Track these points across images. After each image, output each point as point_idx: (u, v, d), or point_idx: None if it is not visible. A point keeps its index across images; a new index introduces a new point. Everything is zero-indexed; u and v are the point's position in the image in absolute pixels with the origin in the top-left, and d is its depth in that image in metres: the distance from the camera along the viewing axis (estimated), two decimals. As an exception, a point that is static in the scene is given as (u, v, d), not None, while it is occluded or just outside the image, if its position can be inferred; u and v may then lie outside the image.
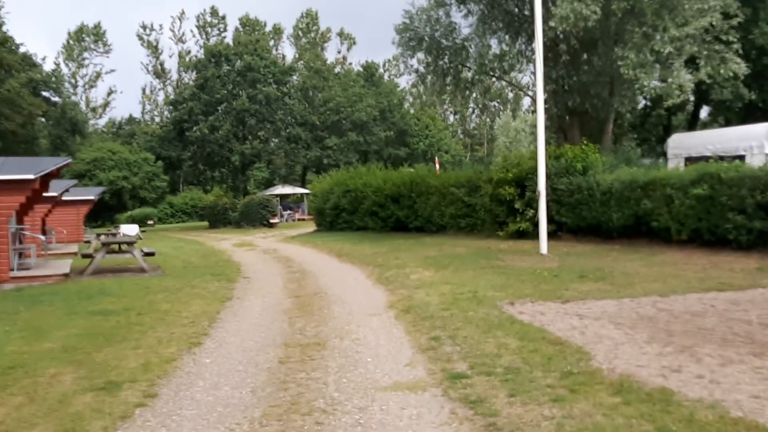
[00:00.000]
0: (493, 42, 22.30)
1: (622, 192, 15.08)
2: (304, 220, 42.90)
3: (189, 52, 77.64)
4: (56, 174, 15.82)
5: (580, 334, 6.97)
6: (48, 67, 68.16)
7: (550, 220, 15.90)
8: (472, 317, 8.03)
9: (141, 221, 56.90)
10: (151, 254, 15.72)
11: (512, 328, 7.34)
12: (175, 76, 79.80)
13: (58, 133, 58.86)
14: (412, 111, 70.17)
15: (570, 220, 16.83)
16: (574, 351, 6.26)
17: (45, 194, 19.81)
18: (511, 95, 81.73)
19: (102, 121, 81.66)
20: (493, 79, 27.49)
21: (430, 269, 12.79)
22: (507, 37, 21.94)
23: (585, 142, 18.02)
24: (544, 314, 8.15)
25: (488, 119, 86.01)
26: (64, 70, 75.50)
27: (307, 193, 44.00)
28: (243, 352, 7.07)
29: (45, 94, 56.01)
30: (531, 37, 19.38)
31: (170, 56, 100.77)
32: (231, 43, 57.95)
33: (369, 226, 24.08)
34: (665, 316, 7.81)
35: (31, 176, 13.26)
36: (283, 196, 47.92)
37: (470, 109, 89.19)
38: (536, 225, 15.60)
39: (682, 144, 19.92)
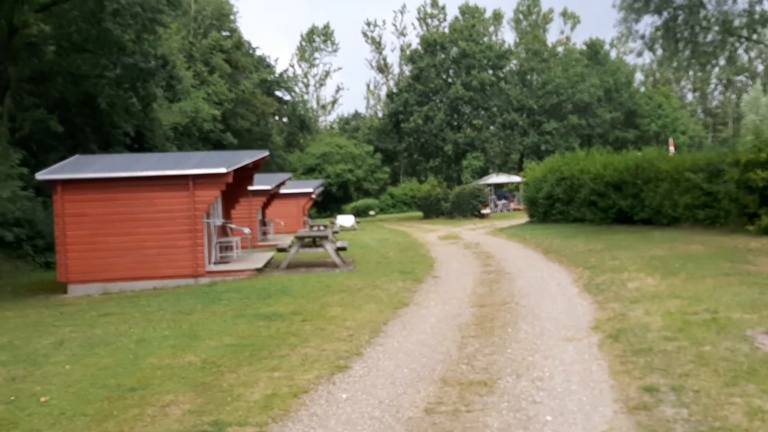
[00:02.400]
0: (741, -7, 18.28)
1: None
2: (519, 210, 40.64)
3: (410, 45, 78.87)
4: (254, 168, 15.81)
5: None
6: (282, 68, 73.75)
7: (825, 212, 12.25)
8: (709, 355, 5.70)
9: (363, 212, 58.91)
10: (343, 249, 15.03)
11: (774, 379, 4.95)
12: (396, 70, 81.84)
13: (290, 130, 63.04)
14: (642, 90, 63.77)
15: None
16: None
17: (252, 188, 20.38)
18: (761, 67, 70.72)
19: (330, 118, 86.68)
20: (741, 43, 22.89)
21: (654, 275, 10.25)
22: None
23: None
24: (825, 356, 5.55)
25: (734, 96, 75.47)
26: (298, 70, 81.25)
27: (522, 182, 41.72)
28: (390, 387, 5.60)
29: (278, 93, 60.18)
30: (795, -18, 15.36)
31: (392, 50, 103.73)
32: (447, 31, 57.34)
33: (586, 218, 21.37)
34: None
35: (223, 170, 13.16)
36: (497, 186, 46.10)
37: (712, 85, 79.15)
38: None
39: None
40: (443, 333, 7.57)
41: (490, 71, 51.19)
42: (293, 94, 65.55)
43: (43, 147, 21.11)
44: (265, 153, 15.64)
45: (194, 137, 36.95)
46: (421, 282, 11.89)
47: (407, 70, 69.18)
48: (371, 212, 59.06)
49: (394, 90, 57.97)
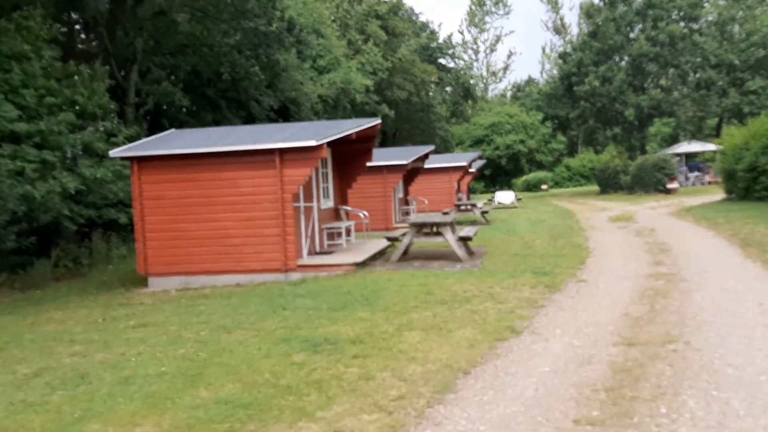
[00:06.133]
0: None
1: None
2: (716, 183, 34.55)
3: (590, 2, 72.03)
4: (366, 139, 13.42)
5: None
6: (447, 33, 70.62)
7: None
8: None
9: (535, 186, 54.72)
10: (467, 239, 12.12)
11: None
12: (575, 30, 75.45)
13: (453, 99, 60.00)
14: None
15: None
16: None
17: (387, 163, 18.26)
18: None
19: (501, 85, 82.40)
20: None
21: None
22: None
23: None
24: None
25: None
26: (467, 36, 77.76)
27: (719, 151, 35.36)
28: None
29: (441, 61, 57.35)
30: None
31: (570, 9, 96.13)
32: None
33: (804, 196, 16.49)
34: None
35: (312, 143, 10.83)
36: (688, 155, 39.88)
37: None
38: None
39: None
40: (548, 405, 4.55)
41: (682, 23, 44.31)
42: (457, 60, 62.29)
43: (175, 123, 20.34)
44: (376, 121, 13.07)
45: (347, 110, 35.45)
46: (557, 289, 8.74)
47: (585, 27, 63.13)
48: (544, 186, 54.58)
49: (568, 50, 52.63)
